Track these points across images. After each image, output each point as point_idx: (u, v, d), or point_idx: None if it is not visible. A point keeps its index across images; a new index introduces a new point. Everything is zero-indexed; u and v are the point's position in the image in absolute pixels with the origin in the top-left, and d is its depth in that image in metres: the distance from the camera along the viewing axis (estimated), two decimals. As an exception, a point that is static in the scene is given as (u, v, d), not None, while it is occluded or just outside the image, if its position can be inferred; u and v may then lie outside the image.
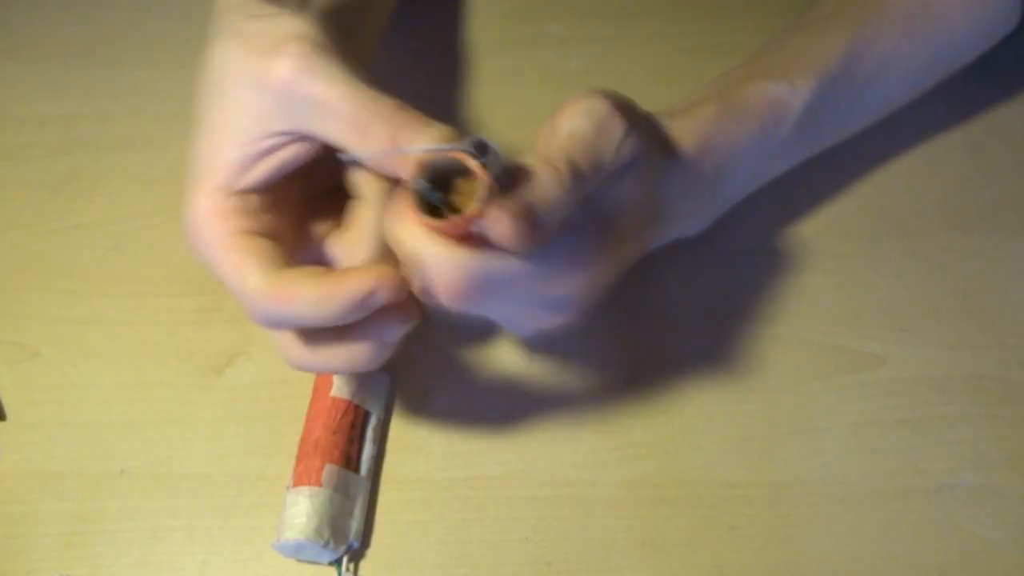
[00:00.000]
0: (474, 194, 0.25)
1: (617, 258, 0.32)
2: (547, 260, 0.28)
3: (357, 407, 0.35)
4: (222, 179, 0.29)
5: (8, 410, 0.37)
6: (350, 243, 0.30)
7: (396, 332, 0.29)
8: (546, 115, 0.50)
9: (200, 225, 0.29)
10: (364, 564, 0.34)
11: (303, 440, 0.34)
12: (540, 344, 0.38)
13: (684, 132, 0.34)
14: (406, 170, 0.26)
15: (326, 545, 0.32)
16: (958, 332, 0.39)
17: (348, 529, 0.33)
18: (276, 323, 0.28)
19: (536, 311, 0.30)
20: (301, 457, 0.34)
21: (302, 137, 0.28)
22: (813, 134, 0.39)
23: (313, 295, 0.27)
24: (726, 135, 0.35)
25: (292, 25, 0.28)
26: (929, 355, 0.39)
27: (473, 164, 0.25)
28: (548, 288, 0.29)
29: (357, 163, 0.28)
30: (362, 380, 0.36)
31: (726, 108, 0.36)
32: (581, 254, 0.29)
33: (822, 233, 0.43)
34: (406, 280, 0.28)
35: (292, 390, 0.37)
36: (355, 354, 0.29)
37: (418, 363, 0.39)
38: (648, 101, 0.49)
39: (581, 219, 0.29)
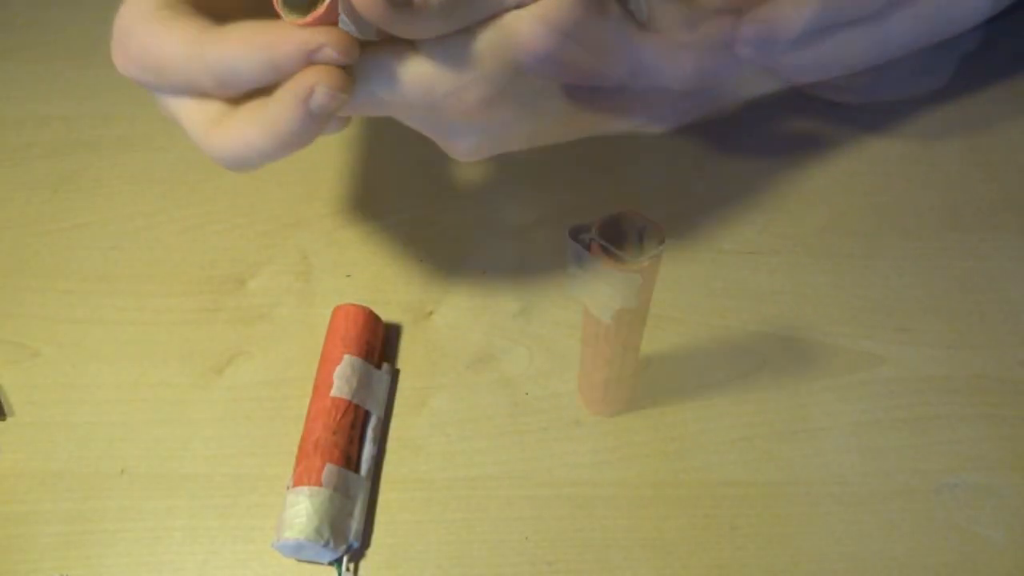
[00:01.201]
0: None
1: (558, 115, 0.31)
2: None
3: (357, 407, 0.35)
4: None
5: (9, 409, 0.37)
6: None
7: (323, 98, 0.26)
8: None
9: (130, 23, 0.28)
10: (364, 564, 0.34)
11: (303, 440, 0.34)
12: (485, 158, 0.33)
13: None
14: None
15: (326, 545, 0.32)
16: (958, 332, 0.39)
17: (348, 529, 0.33)
18: (214, 75, 0.26)
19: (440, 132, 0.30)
20: (301, 457, 0.34)
21: None
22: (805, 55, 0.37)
23: (261, 40, 0.25)
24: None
25: None
26: (929, 355, 0.39)
27: None
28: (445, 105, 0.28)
29: None
30: (362, 380, 0.36)
31: None
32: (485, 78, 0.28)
33: (822, 233, 0.43)
34: (354, 43, 0.26)
35: (292, 390, 0.37)
36: (277, 117, 0.26)
37: (418, 363, 0.39)
38: (648, 101, 0.49)
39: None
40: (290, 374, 0.38)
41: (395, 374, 0.38)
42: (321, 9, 0.25)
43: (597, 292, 0.28)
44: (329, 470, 0.33)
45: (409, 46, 0.28)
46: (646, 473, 0.35)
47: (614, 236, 0.27)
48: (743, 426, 0.37)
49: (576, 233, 0.27)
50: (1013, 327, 0.39)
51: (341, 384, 0.35)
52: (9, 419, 0.37)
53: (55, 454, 0.36)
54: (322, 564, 0.33)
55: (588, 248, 0.27)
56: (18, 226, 0.44)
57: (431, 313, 0.40)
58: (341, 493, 0.33)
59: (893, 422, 0.37)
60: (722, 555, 0.33)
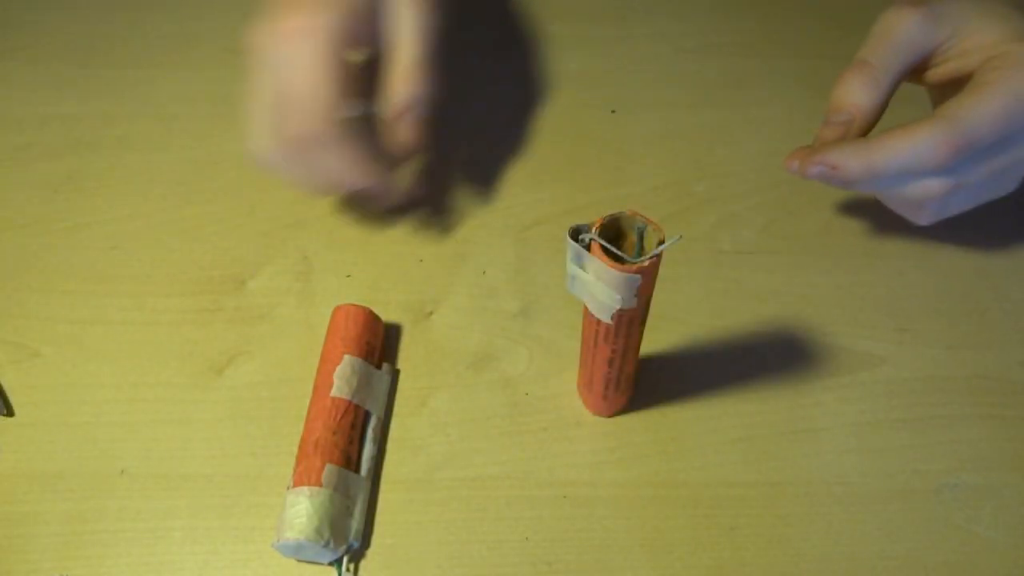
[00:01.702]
0: None
1: None
2: None
3: (357, 407, 0.35)
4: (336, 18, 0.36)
5: (11, 408, 0.37)
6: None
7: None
8: (545, 115, 0.50)
9: (304, 37, 0.35)
10: (364, 564, 0.34)
11: (303, 440, 0.34)
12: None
13: None
14: None
15: (326, 545, 0.32)
16: (958, 332, 0.39)
17: (348, 529, 0.33)
18: (315, 143, 0.36)
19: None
20: (301, 457, 0.34)
21: None
22: None
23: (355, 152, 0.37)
24: None
25: None
26: (929, 355, 0.39)
27: None
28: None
29: None
30: (362, 380, 0.36)
31: None
32: None
33: (822, 233, 0.43)
34: None
35: (292, 390, 0.37)
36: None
37: (418, 363, 0.39)
38: (648, 101, 0.49)
39: None
40: (290, 374, 0.38)
41: (395, 374, 0.38)
42: (646, 262, 0.27)
43: (597, 292, 0.28)
44: (329, 470, 0.33)
45: None
46: (646, 473, 0.35)
47: (614, 236, 0.27)
48: (743, 426, 0.37)
49: (576, 233, 0.27)
50: (1013, 327, 0.39)
51: (341, 384, 0.35)
52: (9, 419, 0.37)
53: (55, 454, 0.36)
54: (322, 564, 0.33)
55: (588, 248, 0.27)
56: (18, 226, 0.44)
57: (431, 313, 0.40)
58: (341, 493, 0.33)
59: (893, 422, 0.37)
60: (722, 555, 0.33)
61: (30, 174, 0.46)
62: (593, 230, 0.27)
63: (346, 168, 0.38)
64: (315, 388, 0.36)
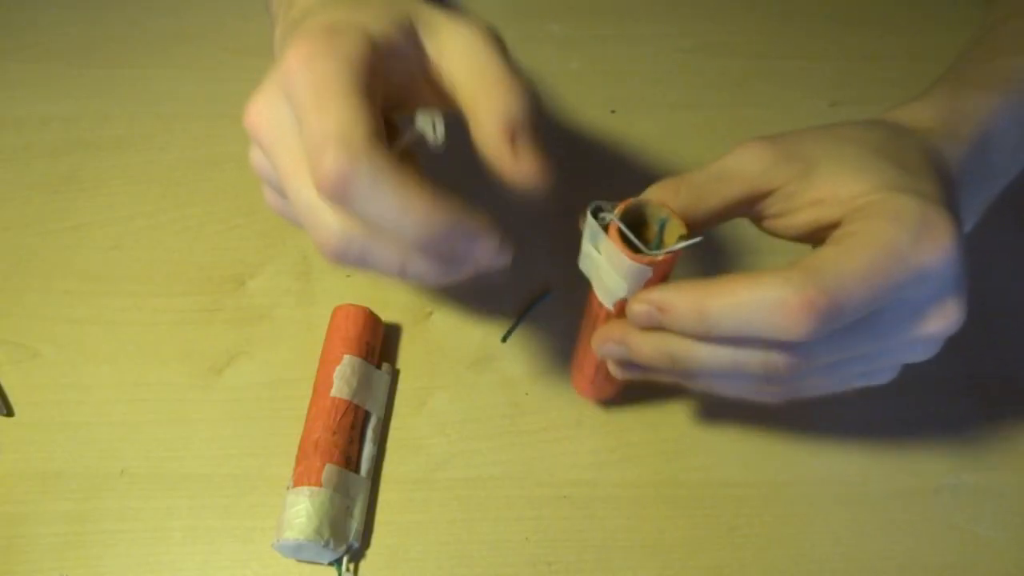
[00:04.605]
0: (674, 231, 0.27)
1: None
2: None
3: (357, 407, 0.35)
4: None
5: (11, 408, 0.37)
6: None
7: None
8: (545, 115, 0.50)
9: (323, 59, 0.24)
10: (364, 564, 0.34)
11: (303, 440, 0.34)
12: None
13: (919, 115, 0.31)
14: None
15: (326, 545, 0.32)
16: (958, 332, 0.39)
17: (348, 529, 0.33)
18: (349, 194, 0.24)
19: None
20: (301, 457, 0.34)
21: None
22: None
23: (419, 199, 0.24)
24: (969, 107, 0.31)
25: None
26: (929, 355, 0.39)
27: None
28: None
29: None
30: (362, 380, 0.36)
31: (962, 85, 0.32)
32: None
33: (822, 233, 0.43)
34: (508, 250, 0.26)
35: (292, 390, 0.37)
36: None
37: (418, 363, 0.39)
38: (648, 101, 0.49)
39: None
40: (290, 374, 0.38)
41: (395, 374, 0.38)
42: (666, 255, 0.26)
43: (605, 276, 0.27)
44: (329, 470, 0.33)
45: None
46: (646, 473, 0.35)
47: (636, 223, 0.26)
48: (743, 426, 0.37)
49: (597, 211, 0.26)
50: (1013, 327, 0.39)
51: (341, 384, 0.35)
52: (10, 419, 0.37)
53: (55, 454, 0.36)
54: (322, 564, 0.33)
55: (606, 230, 0.26)
56: (18, 226, 0.44)
57: (431, 313, 0.40)
58: (341, 493, 0.33)
59: (893, 422, 0.37)
60: (722, 555, 0.33)
61: (30, 174, 0.46)
62: (616, 212, 0.26)
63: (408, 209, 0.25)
64: (315, 388, 0.36)
